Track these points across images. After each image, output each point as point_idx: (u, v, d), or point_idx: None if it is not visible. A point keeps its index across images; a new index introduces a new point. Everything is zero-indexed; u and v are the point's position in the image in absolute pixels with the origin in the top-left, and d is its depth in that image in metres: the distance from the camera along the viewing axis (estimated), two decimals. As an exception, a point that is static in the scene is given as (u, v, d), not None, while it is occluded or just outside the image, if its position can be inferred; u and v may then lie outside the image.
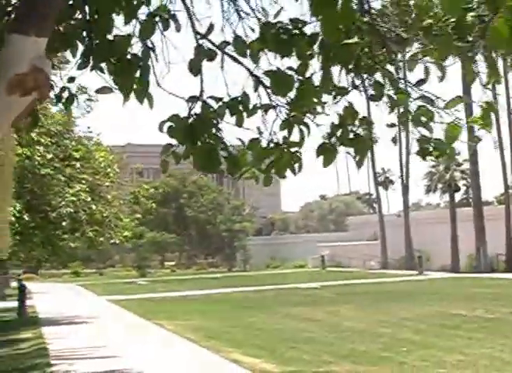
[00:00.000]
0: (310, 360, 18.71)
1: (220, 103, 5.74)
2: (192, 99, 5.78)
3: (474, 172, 64.57)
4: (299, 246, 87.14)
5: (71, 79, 6.23)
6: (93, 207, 15.28)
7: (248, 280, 61.03)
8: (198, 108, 5.79)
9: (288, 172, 5.95)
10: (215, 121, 5.70)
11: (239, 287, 50.59)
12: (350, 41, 5.22)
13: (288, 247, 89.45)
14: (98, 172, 16.23)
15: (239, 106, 5.68)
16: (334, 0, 4.15)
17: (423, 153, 5.19)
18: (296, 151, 5.79)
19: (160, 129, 5.58)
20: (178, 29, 5.66)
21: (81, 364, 18.79)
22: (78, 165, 15.87)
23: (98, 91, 5.81)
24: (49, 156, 15.31)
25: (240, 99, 5.75)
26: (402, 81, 5.68)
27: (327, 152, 5.63)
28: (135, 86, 5.42)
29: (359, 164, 5.78)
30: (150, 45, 5.48)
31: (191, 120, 5.66)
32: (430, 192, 72.85)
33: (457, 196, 77.34)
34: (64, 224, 16.33)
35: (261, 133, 5.84)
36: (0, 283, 50.78)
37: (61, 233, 17.58)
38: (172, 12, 5.62)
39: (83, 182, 15.84)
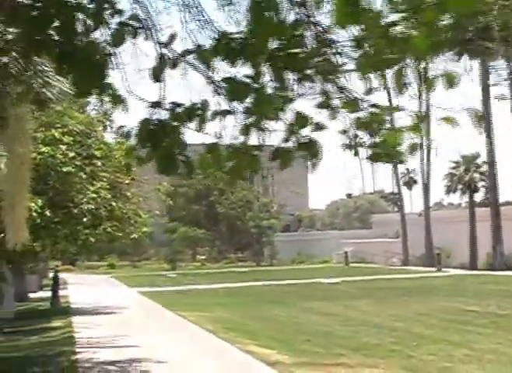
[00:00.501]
0: (323, 352, 18.68)
1: (181, 109, 5.71)
2: (154, 105, 5.76)
3: (491, 173, 64.25)
4: (324, 243, 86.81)
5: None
6: (113, 203, 15.32)
7: (273, 274, 60.98)
8: (162, 113, 5.76)
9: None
10: (176, 126, 5.67)
11: (264, 281, 50.55)
12: (296, 51, 5.18)
13: (313, 243, 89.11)
14: (119, 170, 16.22)
15: (197, 112, 5.65)
16: (264, 14, 4.12)
17: (374, 158, 5.14)
18: (256, 155, 5.75)
19: (119, 133, 5.58)
20: (146, 38, 5.65)
21: (103, 353, 18.91)
22: (99, 163, 15.89)
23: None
24: (71, 154, 15.39)
25: (199, 105, 5.72)
26: (349, 90, 5.60)
27: (282, 156, 5.60)
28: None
29: (313, 168, 5.74)
30: (117, 51, 5.50)
31: (153, 125, 5.64)
32: (450, 192, 72.30)
33: (479, 197, 76.84)
34: (85, 219, 16.42)
35: (219, 138, 5.81)
36: (38, 274, 51.00)
37: (82, 228, 17.67)
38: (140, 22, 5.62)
39: (104, 179, 15.88)
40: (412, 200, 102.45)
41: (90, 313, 31.57)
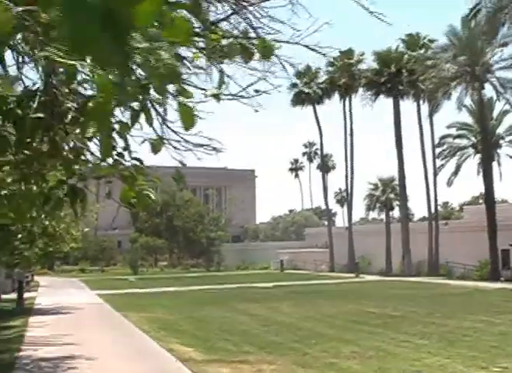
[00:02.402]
0: (234, 350, 18.67)
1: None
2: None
3: (402, 195, 65.36)
4: (264, 252, 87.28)
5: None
6: (46, 222, 15.16)
7: (218, 279, 60.78)
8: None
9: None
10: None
11: (208, 285, 50.39)
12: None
13: (256, 252, 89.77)
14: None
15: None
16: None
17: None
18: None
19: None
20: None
21: (44, 350, 18.64)
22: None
23: None
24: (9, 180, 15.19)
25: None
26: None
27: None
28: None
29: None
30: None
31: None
32: (370, 210, 73.25)
33: (397, 213, 77.76)
34: (20, 236, 16.29)
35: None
36: (16, 277, 50.34)
37: (19, 244, 17.53)
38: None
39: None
40: (344, 216, 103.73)
41: (48, 313, 31.07)
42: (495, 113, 56.71)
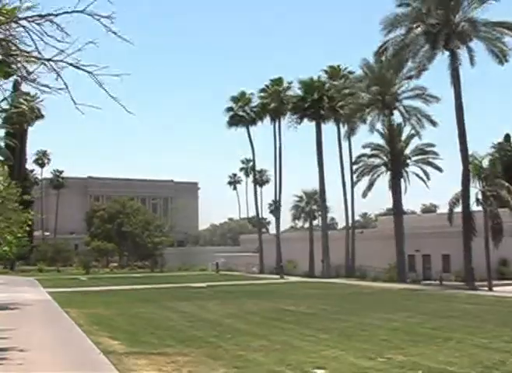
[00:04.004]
0: (156, 343, 18.35)
1: None
2: None
3: (323, 206, 65.93)
4: (203, 255, 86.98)
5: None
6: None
7: (159, 279, 60.02)
8: None
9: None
10: None
11: (149, 285, 49.80)
12: None
13: (195, 255, 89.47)
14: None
15: None
16: None
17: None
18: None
19: None
20: None
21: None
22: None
23: None
24: None
25: None
26: None
27: None
28: None
29: None
30: None
31: None
32: (296, 219, 73.79)
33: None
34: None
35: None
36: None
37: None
38: None
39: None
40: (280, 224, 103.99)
41: (-3, 309, 30.17)
42: (404, 136, 57.62)
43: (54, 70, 6.49)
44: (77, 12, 6.94)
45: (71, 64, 5.81)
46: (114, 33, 5.85)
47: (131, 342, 18.46)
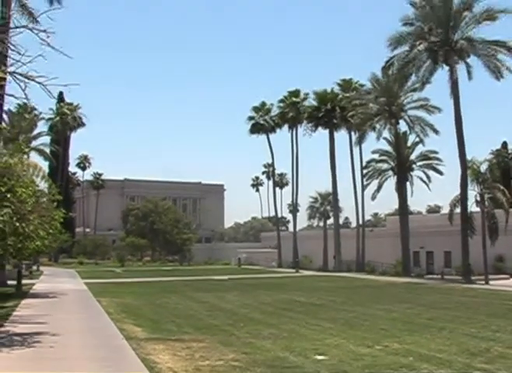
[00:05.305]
0: (175, 330, 18.25)
1: None
2: None
3: (335, 207, 65.76)
4: (227, 251, 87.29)
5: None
6: (17, 224, 14.82)
7: (187, 272, 60.00)
8: None
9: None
10: None
11: (176, 277, 49.82)
12: None
13: (220, 251, 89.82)
14: (21, 202, 15.79)
15: None
16: None
17: None
18: None
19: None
20: None
21: (21, 327, 18.13)
22: (8, 195, 15.33)
23: None
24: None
25: None
26: None
27: None
28: None
29: None
30: None
31: None
32: (311, 219, 73.76)
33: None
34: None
35: None
36: (25, 267, 49.60)
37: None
38: None
39: (12, 207, 15.31)
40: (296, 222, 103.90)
41: (39, 297, 30.32)
42: (409, 143, 57.35)
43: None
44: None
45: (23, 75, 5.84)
46: (53, 47, 5.80)
47: (152, 329, 18.42)
